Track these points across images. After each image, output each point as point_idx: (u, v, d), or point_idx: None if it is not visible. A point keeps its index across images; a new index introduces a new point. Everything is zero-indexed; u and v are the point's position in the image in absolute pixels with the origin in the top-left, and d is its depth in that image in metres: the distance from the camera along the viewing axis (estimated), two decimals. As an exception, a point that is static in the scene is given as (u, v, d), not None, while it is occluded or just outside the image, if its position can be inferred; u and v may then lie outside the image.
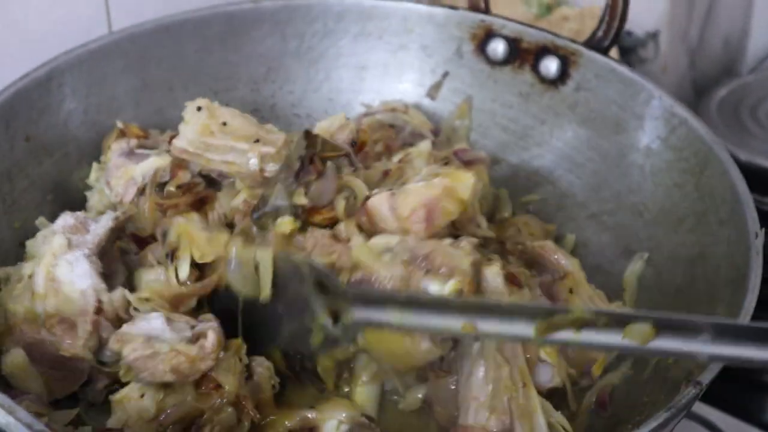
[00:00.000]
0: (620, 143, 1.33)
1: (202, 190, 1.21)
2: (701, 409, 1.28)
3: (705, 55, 1.84)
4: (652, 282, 1.25)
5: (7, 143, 1.25)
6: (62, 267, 1.12)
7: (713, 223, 1.19)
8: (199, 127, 1.20)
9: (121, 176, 1.23)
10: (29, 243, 1.20)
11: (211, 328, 1.08)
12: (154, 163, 1.22)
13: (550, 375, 1.13)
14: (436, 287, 1.07)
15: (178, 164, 1.21)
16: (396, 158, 1.27)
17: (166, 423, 1.03)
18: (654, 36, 1.71)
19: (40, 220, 1.22)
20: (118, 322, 1.11)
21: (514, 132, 1.42)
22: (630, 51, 1.74)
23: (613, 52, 1.58)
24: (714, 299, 1.12)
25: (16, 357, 1.08)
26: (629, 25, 1.66)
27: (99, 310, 1.10)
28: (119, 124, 1.30)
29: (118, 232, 1.18)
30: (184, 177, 1.21)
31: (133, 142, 1.27)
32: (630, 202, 1.31)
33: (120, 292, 1.12)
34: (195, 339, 1.07)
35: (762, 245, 1.10)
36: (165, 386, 1.05)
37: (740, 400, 1.36)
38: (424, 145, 1.30)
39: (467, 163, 1.28)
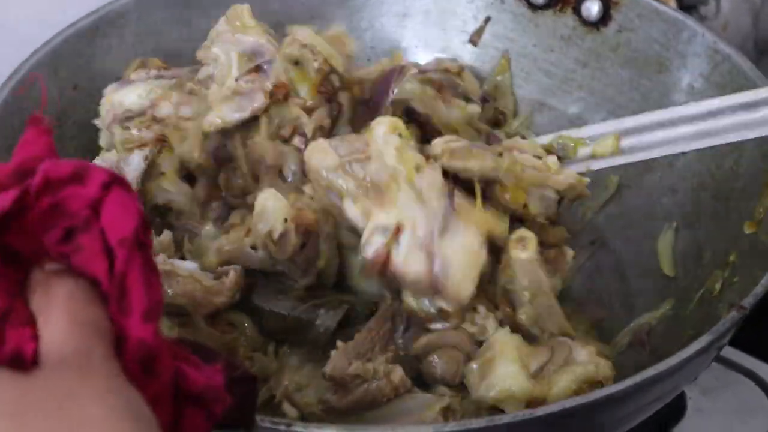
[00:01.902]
0: (663, 82, 1.33)
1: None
2: (750, 362, 1.28)
3: None
4: (695, 218, 1.25)
5: (56, 90, 1.28)
6: None
7: (756, 156, 1.19)
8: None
9: (104, 103, 1.23)
10: None
11: (233, 269, 1.09)
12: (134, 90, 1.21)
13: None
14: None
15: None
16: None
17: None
18: (716, -7, 1.69)
19: None
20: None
21: (556, 75, 1.42)
22: (690, 8, 1.72)
23: (673, 7, 1.58)
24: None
25: None
26: (691, -18, 1.66)
27: None
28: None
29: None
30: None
31: (153, 72, 1.25)
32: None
33: (167, 236, 1.14)
34: (217, 277, 1.09)
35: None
36: (178, 317, 1.05)
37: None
38: (472, 108, 1.29)
39: None
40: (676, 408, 1.25)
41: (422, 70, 1.37)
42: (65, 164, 0.67)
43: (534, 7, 1.42)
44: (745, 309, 0.98)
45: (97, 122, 1.25)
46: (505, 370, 1.03)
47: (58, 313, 0.65)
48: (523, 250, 1.10)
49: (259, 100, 1.18)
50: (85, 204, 0.67)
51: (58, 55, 1.28)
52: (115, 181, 0.68)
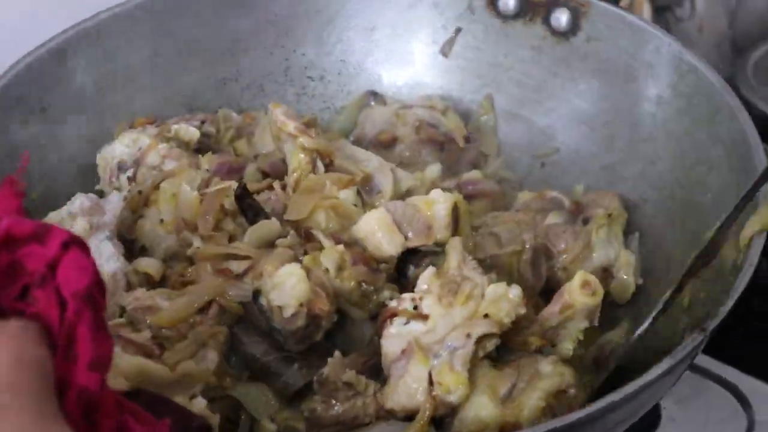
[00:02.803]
0: (631, 92, 1.32)
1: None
2: (724, 371, 1.28)
3: (746, 15, 1.77)
4: (663, 229, 1.25)
5: (22, 115, 1.28)
6: None
7: (724, 169, 1.19)
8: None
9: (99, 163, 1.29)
10: (51, 216, 1.22)
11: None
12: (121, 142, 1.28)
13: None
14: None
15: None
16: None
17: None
18: (690, -6, 1.68)
19: None
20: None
21: (527, 86, 1.42)
22: (665, 10, 1.71)
23: (647, 10, 1.58)
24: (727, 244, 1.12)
25: None
26: (665, -17, 1.65)
27: (129, 288, 1.14)
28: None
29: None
30: None
31: (138, 129, 1.30)
32: (642, 152, 1.31)
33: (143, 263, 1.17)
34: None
35: (772, 190, 1.09)
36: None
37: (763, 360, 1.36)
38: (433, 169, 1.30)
39: (469, 197, 1.27)
40: (650, 418, 1.24)
41: (407, 105, 1.38)
42: (27, 223, 0.70)
43: (504, 18, 1.42)
44: (705, 332, 0.98)
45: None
46: (476, 402, 1.04)
47: (2, 348, 0.67)
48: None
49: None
50: (43, 263, 0.70)
51: (22, 80, 1.28)
52: (73, 241, 0.70)
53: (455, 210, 1.16)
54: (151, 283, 1.16)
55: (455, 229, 1.17)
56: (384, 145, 1.34)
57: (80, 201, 1.20)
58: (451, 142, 1.36)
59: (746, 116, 1.18)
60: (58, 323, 0.69)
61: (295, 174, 1.20)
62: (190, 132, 1.30)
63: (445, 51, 1.46)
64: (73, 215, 1.18)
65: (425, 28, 1.46)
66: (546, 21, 1.39)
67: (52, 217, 1.20)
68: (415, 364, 1.03)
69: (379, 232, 1.14)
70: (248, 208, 1.17)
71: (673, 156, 1.27)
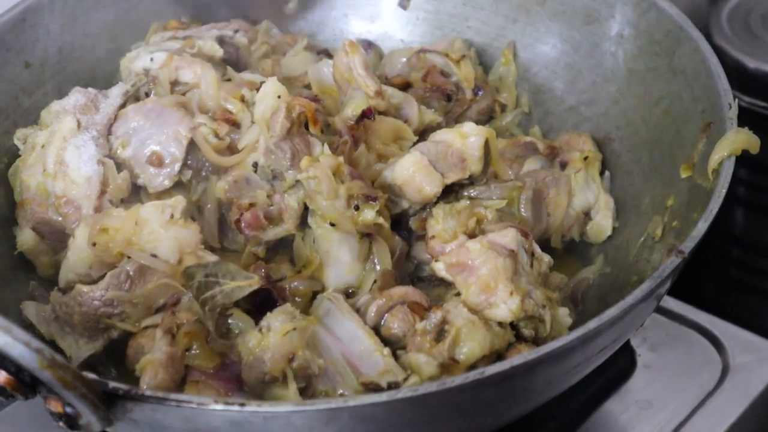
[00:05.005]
0: (592, 33, 1.34)
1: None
2: (699, 316, 1.29)
3: None
4: (631, 166, 1.27)
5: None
6: (70, 151, 1.18)
7: (687, 101, 1.20)
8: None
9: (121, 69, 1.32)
10: (43, 112, 1.24)
11: None
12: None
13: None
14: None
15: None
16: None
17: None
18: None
19: None
20: (120, 202, 1.17)
21: (488, 34, 1.43)
22: None
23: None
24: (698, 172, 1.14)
25: (27, 236, 1.18)
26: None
27: (102, 194, 1.16)
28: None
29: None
30: None
31: (168, 33, 1.32)
32: (606, 91, 1.33)
33: (124, 175, 1.18)
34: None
35: (736, 115, 1.11)
36: None
37: (742, 308, 1.37)
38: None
39: None
40: (626, 365, 1.24)
41: (425, 50, 1.39)
42: None
43: (462, -33, 1.43)
44: (683, 253, 0.99)
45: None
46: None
47: None
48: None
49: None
50: None
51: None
52: None
53: (486, 143, 1.16)
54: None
55: (486, 162, 1.17)
56: (398, 88, 1.31)
57: (75, 97, 1.23)
58: (460, 92, 1.35)
59: (707, 46, 1.20)
60: None
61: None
62: (214, 48, 1.30)
63: (404, 4, 1.46)
64: (65, 109, 1.21)
65: (385, -19, 1.46)
66: (505, -33, 1.40)
67: (52, 106, 1.23)
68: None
69: (418, 175, 1.14)
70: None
71: (636, 93, 1.28)
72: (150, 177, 1.18)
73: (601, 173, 1.28)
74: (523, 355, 0.91)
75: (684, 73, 1.21)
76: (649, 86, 1.27)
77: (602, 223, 1.25)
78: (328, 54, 1.40)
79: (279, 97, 1.15)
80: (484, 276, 1.06)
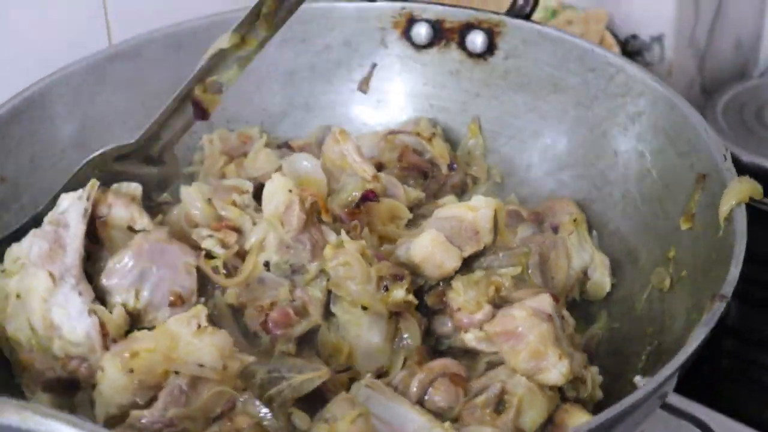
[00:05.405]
0: (560, 102, 1.38)
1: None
2: (694, 408, 1.30)
3: (714, 59, 1.85)
4: (618, 222, 1.31)
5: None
6: (56, 312, 1.12)
7: (672, 156, 1.25)
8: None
9: None
10: (6, 256, 1.16)
11: None
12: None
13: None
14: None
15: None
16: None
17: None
18: (659, 39, 1.75)
19: None
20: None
21: (450, 111, 1.46)
22: (635, 55, 1.78)
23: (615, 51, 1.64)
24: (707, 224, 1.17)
25: (43, 399, 1.11)
26: (634, 29, 1.73)
27: (105, 337, 1.11)
28: None
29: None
30: None
31: None
32: (580, 155, 1.37)
33: (119, 310, 1.13)
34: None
35: (732, 164, 1.17)
36: None
37: (735, 400, 1.40)
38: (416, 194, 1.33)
39: None
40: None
41: (395, 131, 1.40)
42: None
43: (418, 47, 1.46)
44: (726, 297, 1.03)
45: None
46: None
47: None
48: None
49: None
50: None
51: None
52: None
53: (495, 214, 1.18)
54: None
55: (495, 232, 1.19)
56: None
57: (37, 245, 1.14)
58: (435, 169, 1.37)
59: (686, 103, 1.26)
60: None
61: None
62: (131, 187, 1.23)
63: (363, 88, 1.48)
64: (31, 261, 1.13)
65: (341, 68, 1.47)
66: (461, 45, 1.44)
67: (12, 253, 1.16)
68: None
69: (437, 251, 1.17)
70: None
71: (609, 153, 1.33)
72: (166, 315, 1.14)
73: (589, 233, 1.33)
74: (614, 407, 0.92)
75: (665, 131, 1.27)
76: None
77: (600, 281, 1.28)
78: (289, 147, 1.40)
79: (290, 191, 1.15)
80: (533, 342, 1.08)
